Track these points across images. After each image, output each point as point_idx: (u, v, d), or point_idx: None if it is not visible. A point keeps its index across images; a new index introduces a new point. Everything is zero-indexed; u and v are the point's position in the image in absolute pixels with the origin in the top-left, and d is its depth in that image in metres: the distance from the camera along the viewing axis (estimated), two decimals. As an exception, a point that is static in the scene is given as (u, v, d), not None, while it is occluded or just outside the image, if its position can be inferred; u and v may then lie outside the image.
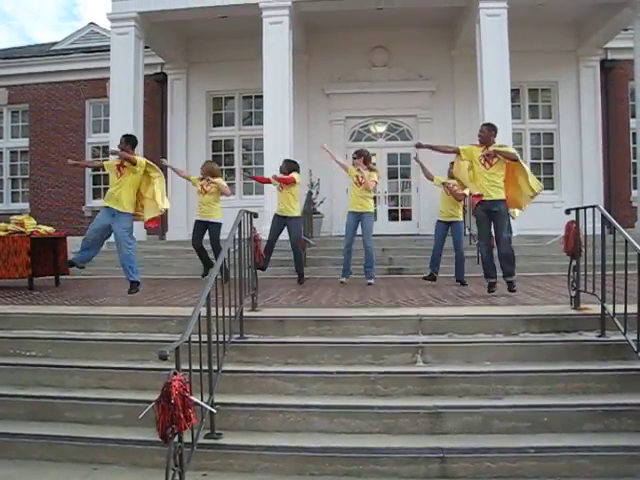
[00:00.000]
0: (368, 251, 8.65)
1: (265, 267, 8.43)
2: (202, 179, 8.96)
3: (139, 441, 4.00)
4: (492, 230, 6.96)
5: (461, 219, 8.66)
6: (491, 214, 6.84)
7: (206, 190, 8.81)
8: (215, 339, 4.15)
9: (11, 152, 17.05)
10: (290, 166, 9.03)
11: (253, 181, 9.60)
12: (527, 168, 7.06)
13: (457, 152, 7.20)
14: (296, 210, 8.97)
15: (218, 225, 8.77)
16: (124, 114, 12.49)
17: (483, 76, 11.96)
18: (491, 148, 6.89)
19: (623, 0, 11.95)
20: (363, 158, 8.74)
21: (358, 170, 8.61)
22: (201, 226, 8.87)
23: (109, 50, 12.94)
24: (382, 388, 4.51)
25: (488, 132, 7.02)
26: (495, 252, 7.01)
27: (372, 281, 8.50)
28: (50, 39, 53.32)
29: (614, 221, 5.03)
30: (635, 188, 13.38)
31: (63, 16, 60.21)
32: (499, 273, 6.97)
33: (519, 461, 3.81)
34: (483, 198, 6.83)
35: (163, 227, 14.78)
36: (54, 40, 18.46)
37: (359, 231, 8.69)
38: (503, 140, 11.62)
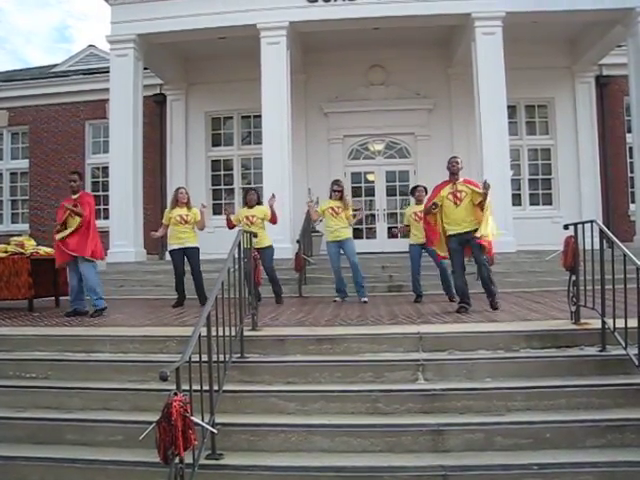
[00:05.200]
0: (355, 266, 8.74)
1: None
2: (176, 208, 8.58)
3: (140, 462, 3.97)
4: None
5: None
6: (466, 243, 7.00)
7: (186, 220, 8.45)
8: (216, 359, 4.15)
9: (11, 173, 17.14)
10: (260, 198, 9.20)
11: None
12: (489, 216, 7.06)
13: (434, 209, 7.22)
14: (268, 239, 8.93)
15: (198, 250, 8.58)
16: (124, 135, 12.58)
17: (479, 93, 12.06)
18: (462, 186, 7.10)
19: (615, 18, 12.09)
20: (342, 191, 9.03)
21: (331, 202, 8.89)
22: (181, 253, 8.53)
23: (108, 72, 13.05)
24: (383, 406, 4.50)
25: (460, 165, 7.25)
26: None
27: (366, 299, 8.60)
28: (44, 61, 54.20)
29: (612, 236, 5.04)
30: (633, 202, 13.41)
31: (56, 38, 60.94)
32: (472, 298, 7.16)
33: (522, 478, 3.79)
34: (456, 231, 6.99)
35: (162, 248, 14.79)
36: (50, 62, 18.66)
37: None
38: (501, 157, 11.80)
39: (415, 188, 9.00)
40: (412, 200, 9.20)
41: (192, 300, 8.55)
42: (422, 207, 8.40)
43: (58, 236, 7.66)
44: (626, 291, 4.60)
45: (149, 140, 14.27)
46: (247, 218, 8.80)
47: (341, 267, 8.96)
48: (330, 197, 9.03)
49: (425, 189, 8.79)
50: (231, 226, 8.87)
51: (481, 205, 6.92)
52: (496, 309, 6.89)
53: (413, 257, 8.72)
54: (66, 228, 7.71)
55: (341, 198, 8.93)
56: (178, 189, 8.82)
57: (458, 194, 7.03)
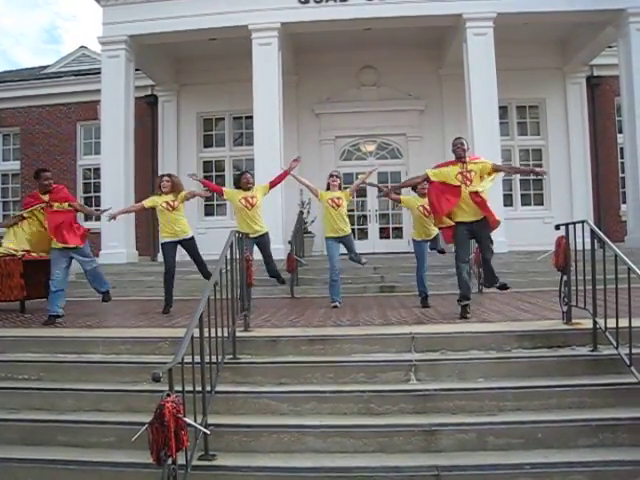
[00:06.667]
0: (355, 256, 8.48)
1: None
2: (162, 195, 8.07)
3: (133, 464, 3.96)
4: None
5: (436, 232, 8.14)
6: (474, 232, 6.63)
7: (173, 207, 7.95)
8: (208, 360, 4.15)
9: (2, 175, 17.11)
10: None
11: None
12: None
13: (427, 179, 6.90)
14: (265, 226, 8.52)
15: (193, 240, 8.20)
16: (115, 136, 12.56)
17: (471, 94, 12.13)
18: (471, 165, 6.63)
19: (606, 19, 12.18)
20: (340, 181, 8.49)
21: (330, 193, 8.33)
22: (174, 247, 8.11)
23: (100, 73, 13.03)
24: (376, 407, 4.50)
25: (466, 147, 6.79)
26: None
27: (365, 260, 8.54)
28: (33, 62, 54.02)
29: (603, 236, 5.06)
30: (624, 202, 13.49)
31: (45, 39, 60.75)
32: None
33: (514, 478, 3.80)
34: (465, 219, 6.55)
35: (154, 248, 14.77)
36: (39, 63, 18.66)
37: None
38: (493, 157, 11.82)
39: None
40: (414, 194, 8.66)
41: (183, 302, 8.53)
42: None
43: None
44: (617, 291, 4.63)
45: (141, 141, 14.24)
46: (246, 200, 8.26)
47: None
48: (327, 188, 8.47)
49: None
50: (217, 190, 8.72)
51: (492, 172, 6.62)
52: (506, 288, 6.78)
53: (420, 254, 8.13)
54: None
55: (340, 188, 8.42)
56: (162, 177, 8.33)
57: (468, 174, 6.56)
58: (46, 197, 7.55)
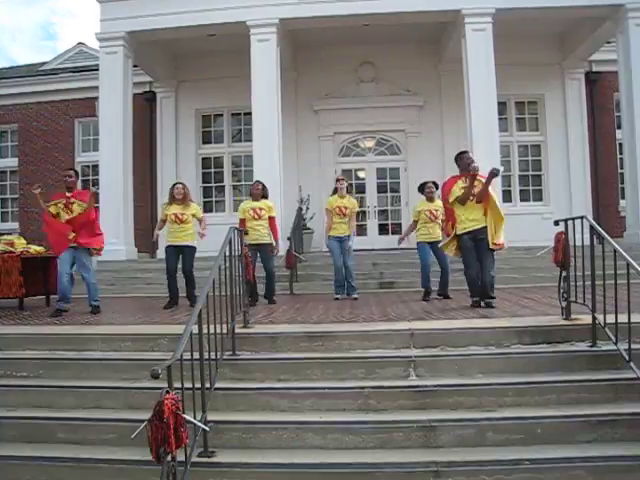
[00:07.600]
0: (350, 270, 8.72)
1: (257, 299, 8.05)
2: (172, 204, 8.15)
3: (132, 461, 3.96)
4: None
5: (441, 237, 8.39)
6: (477, 242, 6.80)
7: (182, 220, 8.00)
8: (207, 357, 4.14)
9: (0, 172, 17.05)
10: (265, 191, 8.68)
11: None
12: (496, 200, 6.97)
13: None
14: (268, 237, 8.51)
15: (194, 249, 8.17)
16: (113, 133, 12.54)
17: (470, 90, 12.11)
18: (476, 180, 6.81)
19: (605, 14, 12.17)
20: (346, 183, 8.95)
21: (339, 199, 8.81)
22: (176, 251, 8.07)
23: (98, 69, 13.02)
24: (375, 403, 4.50)
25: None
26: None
27: (357, 296, 8.60)
28: (29, 59, 53.60)
29: (602, 231, 5.05)
30: (623, 198, 13.49)
31: (41, 35, 60.50)
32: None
33: (514, 473, 3.80)
34: (471, 228, 6.79)
35: (154, 245, 14.74)
36: (35, 60, 18.60)
37: None
38: (491, 153, 11.84)
39: (424, 184, 8.63)
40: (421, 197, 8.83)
41: (182, 298, 8.51)
42: (435, 205, 8.31)
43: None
44: (616, 286, 4.62)
45: (139, 138, 14.20)
46: (254, 210, 8.33)
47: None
48: (335, 192, 8.90)
49: (435, 184, 8.55)
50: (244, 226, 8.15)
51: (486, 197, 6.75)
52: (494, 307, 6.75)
53: (423, 253, 8.41)
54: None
55: (347, 191, 8.94)
56: (174, 185, 8.36)
57: (473, 189, 6.76)
58: (69, 194, 7.73)
